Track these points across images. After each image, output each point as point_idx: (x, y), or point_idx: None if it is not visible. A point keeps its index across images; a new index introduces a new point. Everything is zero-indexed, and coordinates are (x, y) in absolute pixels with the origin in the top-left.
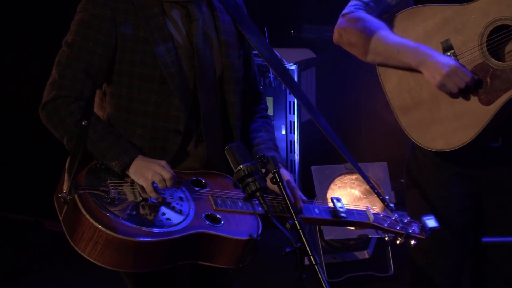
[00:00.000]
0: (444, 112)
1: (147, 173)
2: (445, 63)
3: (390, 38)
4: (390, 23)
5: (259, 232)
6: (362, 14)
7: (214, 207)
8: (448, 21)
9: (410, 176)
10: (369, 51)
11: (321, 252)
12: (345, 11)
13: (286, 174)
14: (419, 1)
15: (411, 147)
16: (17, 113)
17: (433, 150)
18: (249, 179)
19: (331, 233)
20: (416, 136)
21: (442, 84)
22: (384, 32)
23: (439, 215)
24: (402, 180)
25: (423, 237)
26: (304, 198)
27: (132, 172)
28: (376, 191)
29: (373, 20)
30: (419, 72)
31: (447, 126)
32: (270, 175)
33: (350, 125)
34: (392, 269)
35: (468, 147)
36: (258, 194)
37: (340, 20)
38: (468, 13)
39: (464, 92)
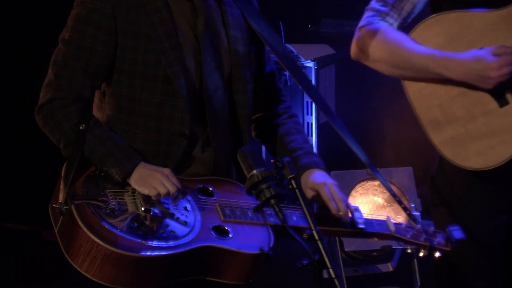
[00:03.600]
0: (480, 127)
1: (150, 181)
2: (490, 58)
3: (417, 50)
4: (411, 34)
5: (271, 245)
6: (382, 25)
7: (222, 218)
8: (471, 29)
9: (438, 192)
10: (395, 65)
11: (341, 264)
12: (362, 23)
13: (331, 185)
14: (437, 9)
15: (438, 160)
16: (14, 117)
17: (469, 169)
18: (263, 185)
19: (352, 244)
20: (450, 153)
21: (503, 74)
22: (409, 44)
23: (470, 234)
24: None
25: (449, 249)
26: (352, 207)
27: (134, 181)
28: (397, 199)
29: (394, 32)
30: (450, 84)
31: (484, 142)
32: (312, 185)
33: (372, 127)
34: (419, 283)
35: (506, 164)
36: (273, 201)
37: (358, 34)
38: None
39: (502, 104)
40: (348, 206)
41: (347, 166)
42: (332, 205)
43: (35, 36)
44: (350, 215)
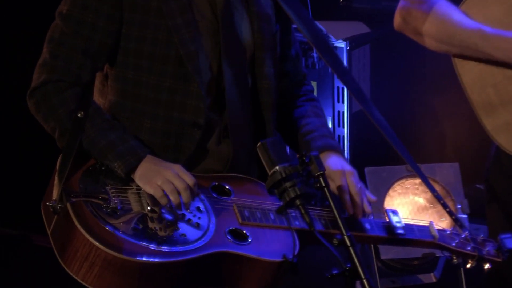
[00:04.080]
0: None
1: (156, 179)
2: None
3: (468, 24)
4: (462, 5)
5: (296, 252)
6: None
7: (240, 220)
8: None
9: (493, 187)
10: (442, 40)
11: (377, 274)
12: None
13: (349, 174)
14: None
15: (495, 151)
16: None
17: None
18: (287, 184)
19: (389, 252)
20: (504, 140)
21: None
22: (458, 17)
23: None
24: (478, 186)
25: (500, 260)
26: (369, 208)
27: (139, 177)
28: (441, 202)
29: (443, 2)
30: (508, 64)
31: None
32: (337, 179)
33: (413, 117)
34: None
35: None
36: (298, 202)
37: (403, 2)
38: None
39: None
40: (363, 201)
41: (384, 161)
42: (345, 199)
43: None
44: (366, 214)
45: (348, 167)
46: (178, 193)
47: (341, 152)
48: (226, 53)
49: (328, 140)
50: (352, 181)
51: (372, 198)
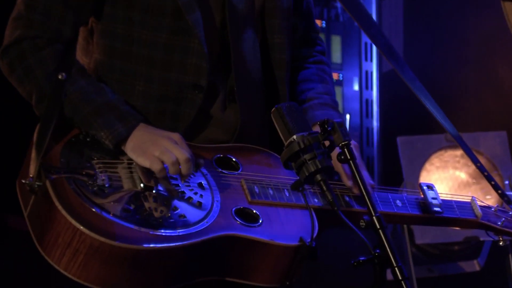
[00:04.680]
0: None
1: (152, 149)
2: None
3: None
4: None
5: (315, 234)
6: None
7: (249, 198)
8: None
9: None
10: None
11: (411, 262)
12: None
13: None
14: None
15: None
16: None
17: None
18: (306, 156)
19: (425, 235)
20: None
21: None
22: None
23: None
24: None
25: None
26: (371, 181)
27: (131, 149)
28: (485, 174)
29: None
30: None
31: None
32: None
33: (453, 79)
34: None
35: None
36: (319, 177)
37: None
38: None
39: None
40: (366, 176)
41: (419, 130)
42: (345, 179)
43: None
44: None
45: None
46: (178, 164)
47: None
48: (231, 2)
49: (329, 110)
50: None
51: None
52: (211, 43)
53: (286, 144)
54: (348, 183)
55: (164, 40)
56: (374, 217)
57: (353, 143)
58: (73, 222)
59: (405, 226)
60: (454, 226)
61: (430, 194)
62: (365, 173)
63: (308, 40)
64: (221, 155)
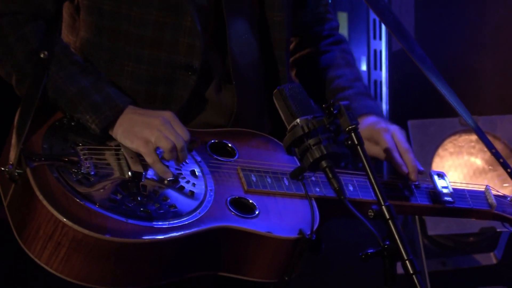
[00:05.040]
0: None
1: (146, 133)
2: None
3: None
4: None
5: (315, 226)
6: None
7: (245, 187)
8: None
9: None
10: None
11: (423, 254)
12: None
13: (395, 131)
14: None
15: None
16: None
17: None
18: (311, 141)
19: (437, 226)
20: None
21: None
22: None
23: None
24: None
25: None
26: (421, 168)
27: (121, 133)
28: (501, 160)
29: None
30: None
31: None
32: (378, 137)
33: (468, 59)
34: None
35: None
36: (324, 164)
37: None
38: None
39: None
40: (415, 159)
41: (431, 113)
42: (395, 158)
43: None
44: (421, 174)
45: (393, 125)
46: (175, 149)
47: (382, 115)
48: None
49: (366, 101)
50: (399, 139)
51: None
52: (205, 20)
53: (289, 128)
54: (403, 169)
55: (154, 17)
56: (383, 206)
57: (398, 129)
58: (55, 213)
59: (416, 216)
60: (467, 217)
61: (440, 183)
62: (407, 145)
63: (319, 16)
64: (216, 141)
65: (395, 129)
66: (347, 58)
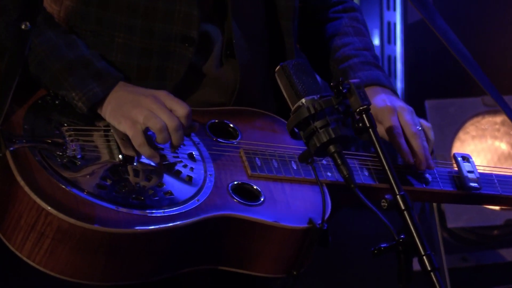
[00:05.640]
0: None
1: (135, 113)
2: None
3: None
4: None
5: (327, 215)
6: None
7: (249, 172)
8: None
9: None
10: None
11: (442, 249)
12: None
13: (402, 111)
14: None
15: None
16: None
17: None
18: (318, 123)
19: (458, 217)
20: None
21: None
22: None
23: None
24: None
25: None
26: (430, 161)
27: (109, 112)
28: None
29: None
30: None
31: None
32: (385, 117)
33: (495, 34)
34: None
35: None
36: (332, 149)
37: None
38: None
39: None
40: (424, 147)
41: (452, 92)
42: (399, 143)
43: None
44: (430, 164)
45: (399, 103)
46: (167, 131)
47: (391, 88)
48: None
49: (373, 71)
50: (407, 121)
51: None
52: None
53: (293, 109)
54: (408, 158)
55: None
56: (398, 196)
57: (406, 108)
58: (38, 200)
59: (435, 206)
60: (494, 204)
61: (465, 166)
62: (416, 128)
63: None
64: (216, 121)
65: (402, 108)
66: (358, 27)
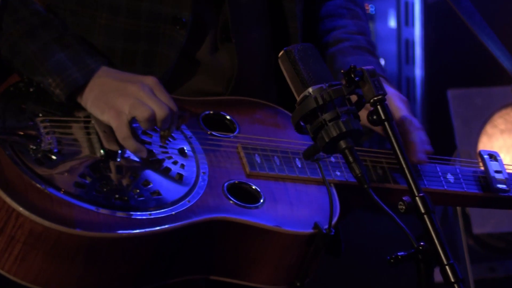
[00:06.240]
0: None
1: (120, 101)
2: None
3: None
4: None
5: (335, 219)
6: None
7: (247, 170)
8: None
9: None
10: None
11: (467, 258)
12: None
13: (394, 99)
14: None
15: None
16: None
17: None
18: (326, 116)
19: (485, 222)
20: None
21: None
22: None
23: None
24: None
25: None
26: (429, 148)
27: (91, 101)
28: None
29: None
30: None
31: None
32: (368, 107)
33: None
34: None
35: None
36: (343, 145)
37: None
38: None
39: None
40: (418, 142)
41: (478, 80)
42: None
43: None
44: (422, 157)
45: (389, 89)
46: (154, 120)
47: (383, 76)
48: None
49: (364, 56)
50: (397, 106)
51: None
52: None
53: (298, 99)
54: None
55: None
56: (417, 198)
57: (398, 95)
58: (7, 200)
59: (458, 210)
60: None
61: (493, 165)
62: (416, 133)
63: None
64: (211, 112)
65: (392, 93)
66: (353, 9)
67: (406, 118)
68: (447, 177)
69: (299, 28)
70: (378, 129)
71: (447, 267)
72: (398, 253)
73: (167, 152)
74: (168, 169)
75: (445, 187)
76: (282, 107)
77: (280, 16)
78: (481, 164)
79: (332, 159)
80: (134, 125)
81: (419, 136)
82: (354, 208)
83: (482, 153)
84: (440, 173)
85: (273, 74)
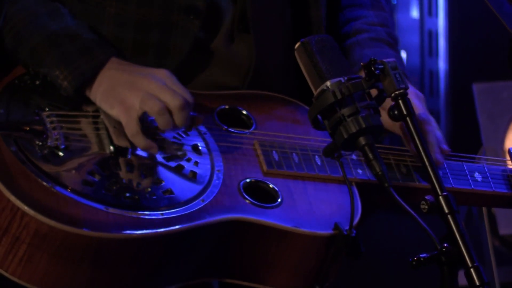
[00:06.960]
0: None
1: (130, 96)
2: None
3: None
4: None
5: (356, 220)
6: None
7: (264, 168)
8: None
9: None
10: None
11: (493, 261)
12: None
13: (410, 96)
14: None
15: None
16: None
17: None
18: (345, 111)
19: None
20: None
21: None
22: None
23: None
24: None
25: None
26: (446, 147)
27: (100, 95)
28: None
29: None
30: None
31: None
32: (389, 102)
33: None
34: None
35: None
36: (363, 141)
37: None
38: None
39: None
40: (439, 139)
41: (505, 73)
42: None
43: None
44: (440, 157)
45: (410, 88)
46: (169, 114)
47: (403, 71)
48: None
49: (383, 48)
50: (415, 106)
51: (445, 147)
52: None
53: (316, 93)
54: (412, 148)
55: None
56: (440, 197)
57: (414, 92)
58: (12, 198)
59: (484, 210)
60: None
61: None
62: (434, 133)
63: None
64: (227, 107)
65: (410, 92)
66: (377, 0)
67: (423, 117)
68: (475, 176)
69: (324, 17)
70: (394, 128)
71: (471, 269)
72: (421, 255)
73: (180, 149)
74: (181, 167)
75: (473, 187)
76: (301, 102)
77: (303, 4)
78: (509, 162)
79: (354, 156)
80: (149, 118)
81: (436, 136)
82: (376, 208)
83: (511, 150)
84: (467, 172)
85: (292, 67)
